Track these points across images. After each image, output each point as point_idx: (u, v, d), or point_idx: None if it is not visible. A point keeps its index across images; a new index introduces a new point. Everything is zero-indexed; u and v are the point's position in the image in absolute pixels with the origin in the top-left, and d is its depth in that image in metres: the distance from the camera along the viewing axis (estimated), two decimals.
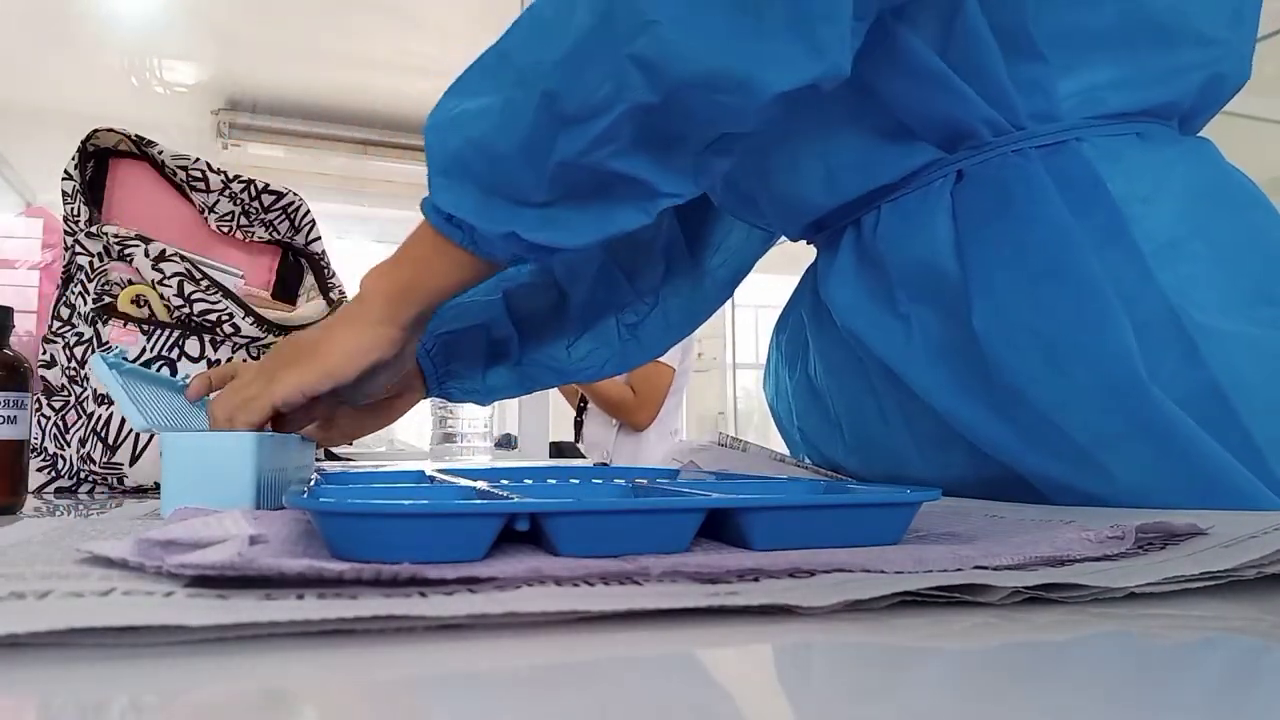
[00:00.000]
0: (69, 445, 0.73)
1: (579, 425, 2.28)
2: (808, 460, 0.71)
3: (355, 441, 1.10)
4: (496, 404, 1.65)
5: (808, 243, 0.66)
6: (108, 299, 0.73)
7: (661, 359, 2.02)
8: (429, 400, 0.74)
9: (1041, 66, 0.48)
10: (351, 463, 1.38)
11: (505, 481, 0.46)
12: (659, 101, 0.42)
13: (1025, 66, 0.48)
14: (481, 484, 0.42)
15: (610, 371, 0.80)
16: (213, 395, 0.57)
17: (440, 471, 0.53)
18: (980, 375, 0.49)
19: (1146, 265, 0.45)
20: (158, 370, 0.72)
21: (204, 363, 0.75)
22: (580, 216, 0.47)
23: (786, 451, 0.75)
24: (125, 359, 0.49)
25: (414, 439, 3.01)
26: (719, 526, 0.35)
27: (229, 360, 0.76)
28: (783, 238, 0.77)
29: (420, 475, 0.53)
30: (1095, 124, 0.49)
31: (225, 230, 0.83)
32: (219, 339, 0.75)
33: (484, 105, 0.46)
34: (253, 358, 0.77)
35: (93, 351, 0.73)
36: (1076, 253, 0.46)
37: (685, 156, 0.45)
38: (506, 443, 2.67)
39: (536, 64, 0.44)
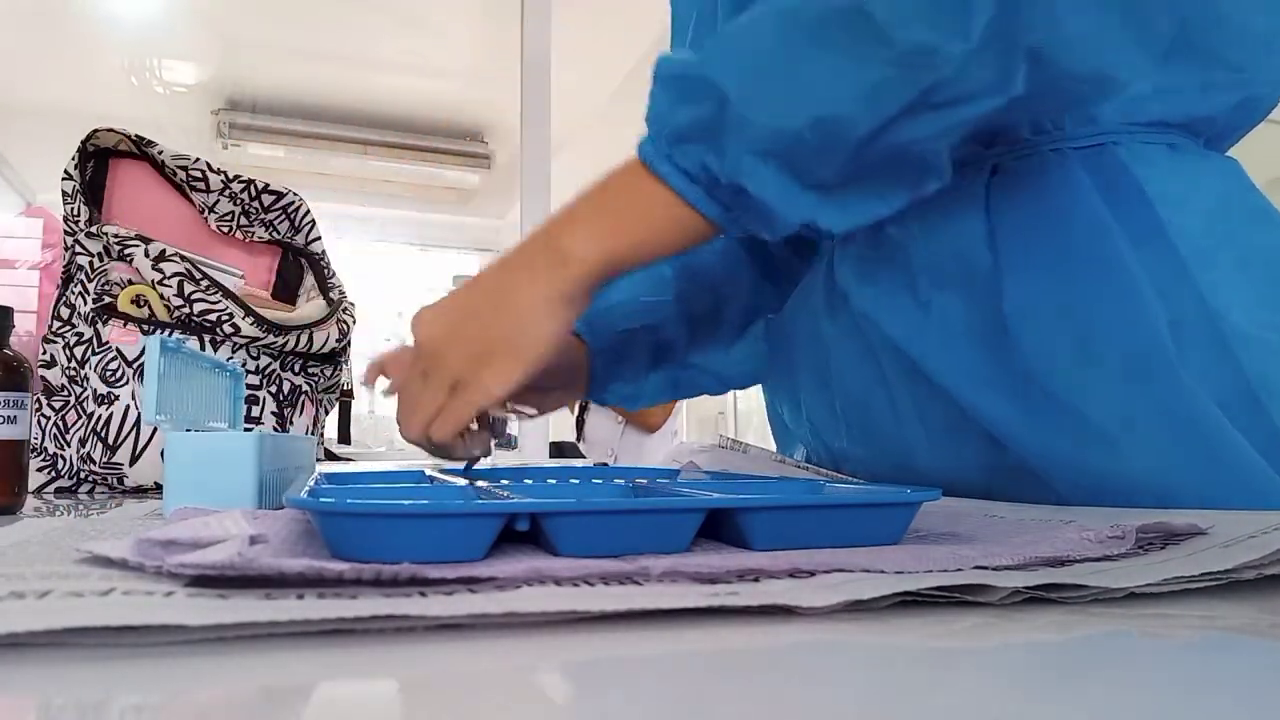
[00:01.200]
0: (69, 445, 0.73)
1: (580, 425, 2.29)
2: (803, 452, 0.71)
3: (354, 441, 1.10)
4: None
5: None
6: (108, 299, 0.73)
7: None
8: None
9: None
10: (351, 463, 1.38)
11: (505, 481, 0.46)
12: (1025, 95, 0.41)
13: None
14: (481, 484, 0.42)
15: (761, 376, 0.79)
16: (379, 386, 0.54)
17: (440, 471, 0.53)
18: (999, 359, 0.49)
19: (1184, 264, 0.46)
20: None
21: None
22: (859, 200, 0.44)
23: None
24: (184, 347, 0.49)
25: None
26: (719, 526, 0.35)
27: (230, 358, 0.76)
28: None
29: (420, 475, 0.53)
30: (1132, 130, 0.50)
31: (225, 230, 0.83)
32: (219, 339, 0.75)
33: (842, 80, 0.41)
34: (252, 358, 0.77)
35: (93, 352, 0.73)
36: (1114, 246, 0.47)
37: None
38: (506, 443, 2.67)
39: (924, 47, 0.39)
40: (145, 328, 0.73)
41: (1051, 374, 0.47)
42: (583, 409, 2.26)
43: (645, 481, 0.47)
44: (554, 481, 0.50)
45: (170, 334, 0.74)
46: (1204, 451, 0.44)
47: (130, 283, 0.74)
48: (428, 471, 0.53)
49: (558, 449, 2.48)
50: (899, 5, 0.39)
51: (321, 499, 0.32)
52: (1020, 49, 0.40)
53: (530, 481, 0.49)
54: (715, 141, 0.43)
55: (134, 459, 0.72)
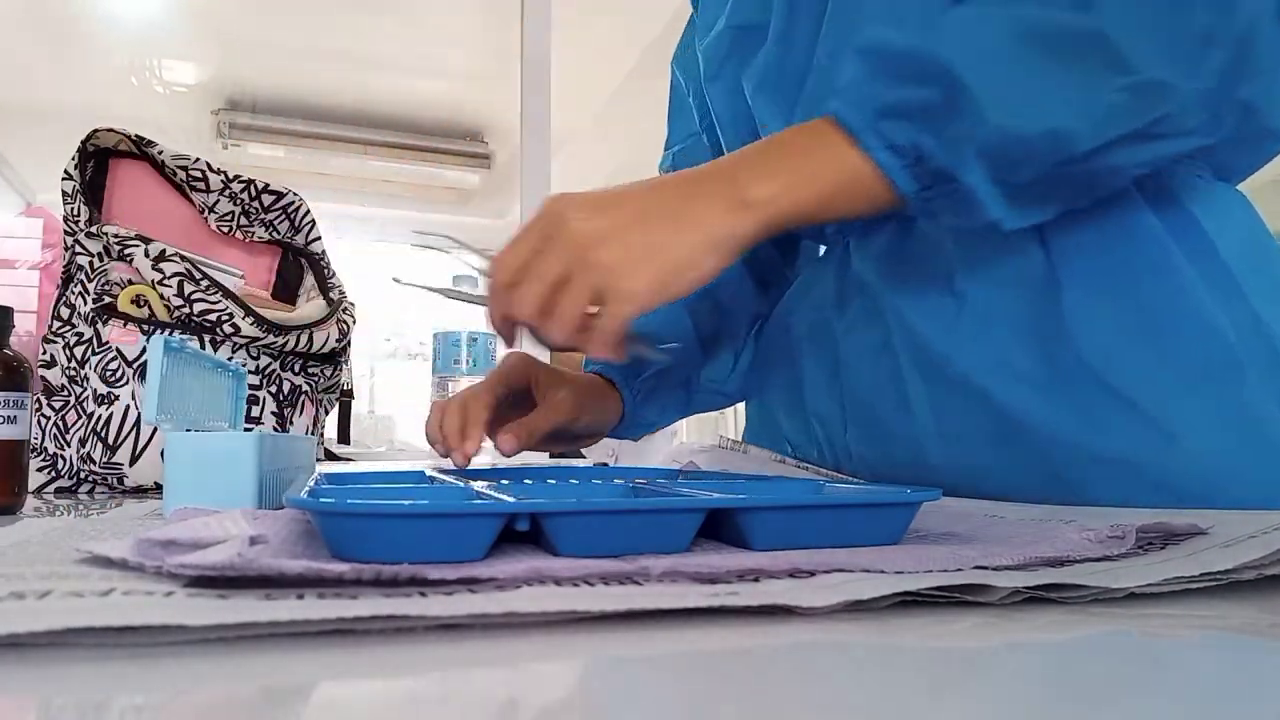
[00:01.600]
0: (69, 445, 0.73)
1: None
2: (789, 450, 0.71)
3: (354, 441, 1.10)
4: None
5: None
6: (108, 299, 0.73)
7: None
8: (429, 397, 0.74)
9: None
10: (351, 463, 1.38)
11: (505, 481, 0.46)
12: (1227, 138, 0.43)
13: None
14: (480, 484, 0.42)
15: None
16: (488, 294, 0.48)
17: (440, 472, 0.53)
18: (1048, 355, 0.50)
19: (1236, 280, 0.48)
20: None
21: None
22: (1033, 204, 0.46)
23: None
24: (187, 347, 0.49)
25: (414, 439, 3.00)
26: (719, 526, 0.35)
27: (230, 358, 0.76)
28: None
29: (421, 475, 0.53)
30: (1172, 160, 0.52)
31: (225, 230, 0.83)
32: (219, 339, 0.75)
33: (1076, 98, 0.42)
34: (252, 358, 0.77)
35: (93, 352, 0.73)
36: (1173, 256, 0.49)
37: None
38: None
39: (1159, 80, 0.41)
40: (145, 328, 0.73)
41: (1112, 372, 0.48)
42: None
43: (645, 481, 0.47)
44: (554, 481, 0.50)
45: (171, 334, 0.74)
46: (1264, 453, 0.46)
47: (130, 283, 0.74)
48: (428, 471, 0.53)
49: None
50: (1141, 37, 0.41)
51: (321, 499, 0.32)
52: (1238, 98, 0.42)
53: (530, 481, 0.49)
54: (937, 125, 0.43)
55: (134, 459, 0.72)
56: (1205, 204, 0.51)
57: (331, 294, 0.86)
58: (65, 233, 0.77)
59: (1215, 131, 0.43)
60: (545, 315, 0.44)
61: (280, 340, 0.77)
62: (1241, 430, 0.47)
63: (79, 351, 0.74)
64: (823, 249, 0.70)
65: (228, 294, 0.75)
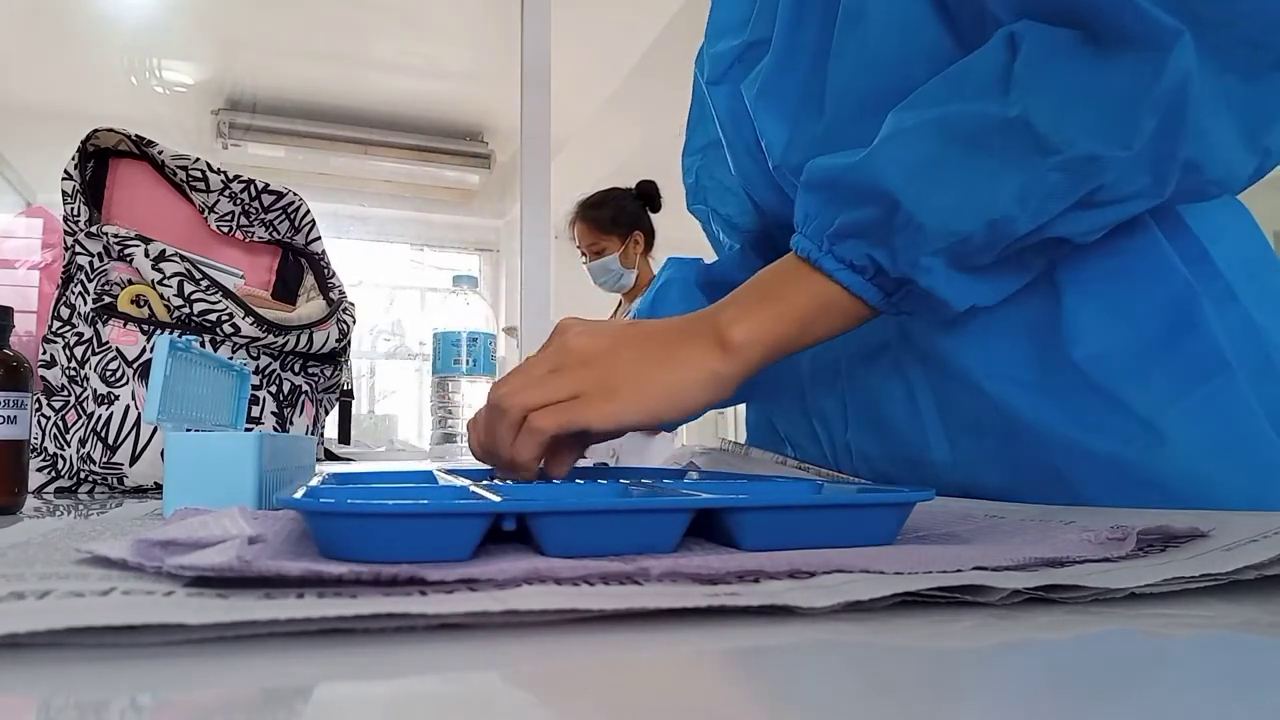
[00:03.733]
0: (69, 445, 0.73)
1: None
2: (791, 452, 0.71)
3: (354, 441, 1.10)
4: None
5: None
6: (108, 299, 0.74)
7: None
8: (429, 400, 0.74)
9: None
10: (351, 463, 1.38)
11: (508, 482, 0.46)
12: (1168, 197, 0.43)
13: None
14: (481, 485, 0.42)
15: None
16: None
17: (446, 472, 0.53)
18: (1044, 354, 0.51)
19: (1230, 286, 0.49)
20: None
21: None
22: (1008, 276, 0.48)
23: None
24: (193, 347, 0.49)
25: (414, 439, 3.01)
26: (713, 528, 0.35)
27: (230, 358, 0.76)
28: None
29: (428, 475, 0.53)
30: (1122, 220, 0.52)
31: (225, 230, 0.83)
32: (219, 339, 0.75)
33: (1008, 186, 0.43)
34: (252, 358, 0.77)
35: (93, 352, 0.73)
36: (1169, 261, 0.49)
37: None
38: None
39: (1089, 155, 0.41)
40: (145, 328, 0.73)
41: (1103, 373, 0.49)
42: None
43: (650, 482, 0.47)
44: (558, 481, 0.50)
45: (171, 334, 0.74)
46: (1251, 455, 0.47)
47: (130, 283, 0.74)
48: (435, 471, 0.53)
49: None
50: (1063, 115, 0.41)
51: (319, 499, 0.32)
52: (1178, 159, 0.42)
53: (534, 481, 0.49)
54: (883, 239, 0.46)
55: (134, 459, 0.72)
56: (1199, 214, 0.51)
57: (331, 294, 0.86)
58: (65, 233, 0.77)
59: (1162, 191, 0.43)
60: (526, 390, 0.47)
61: (280, 340, 0.77)
62: (1228, 432, 0.47)
63: (79, 351, 0.74)
64: None
65: (228, 294, 0.75)
